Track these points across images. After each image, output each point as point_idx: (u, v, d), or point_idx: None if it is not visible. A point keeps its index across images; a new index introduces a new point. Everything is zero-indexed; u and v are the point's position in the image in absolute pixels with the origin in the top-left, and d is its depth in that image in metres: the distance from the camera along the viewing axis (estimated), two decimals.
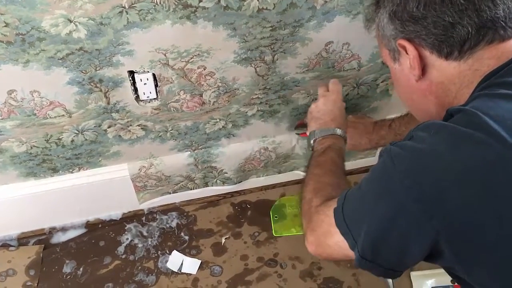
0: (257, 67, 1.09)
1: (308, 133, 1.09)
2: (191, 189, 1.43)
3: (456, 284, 1.25)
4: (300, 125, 1.29)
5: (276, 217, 1.43)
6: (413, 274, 1.28)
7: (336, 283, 1.29)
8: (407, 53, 0.74)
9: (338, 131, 1.03)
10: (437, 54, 0.72)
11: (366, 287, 1.28)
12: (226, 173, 1.40)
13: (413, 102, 0.82)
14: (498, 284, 0.65)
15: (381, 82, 1.23)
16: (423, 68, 0.74)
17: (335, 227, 0.76)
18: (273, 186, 1.51)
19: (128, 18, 0.90)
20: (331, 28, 1.03)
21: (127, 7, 0.88)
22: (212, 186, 1.44)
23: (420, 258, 0.69)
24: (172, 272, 1.33)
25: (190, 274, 1.33)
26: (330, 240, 0.78)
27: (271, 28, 1.00)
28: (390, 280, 1.27)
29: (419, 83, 0.76)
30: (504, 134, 0.61)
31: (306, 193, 0.91)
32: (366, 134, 1.20)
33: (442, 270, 1.25)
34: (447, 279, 1.26)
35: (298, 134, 1.32)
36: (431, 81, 0.75)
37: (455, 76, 0.72)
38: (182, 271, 1.33)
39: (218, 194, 1.48)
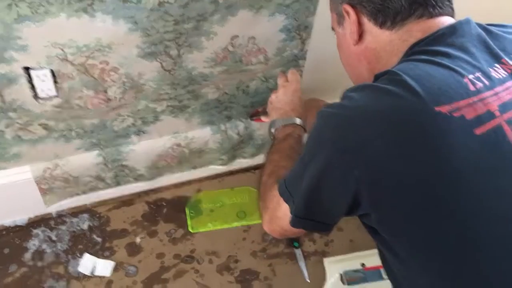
0: (162, 61, 1.07)
1: (269, 121, 1.11)
2: (102, 189, 1.39)
3: (365, 267, 1.31)
4: (254, 114, 1.31)
5: (192, 213, 1.42)
6: (326, 260, 1.33)
7: (253, 274, 1.31)
8: (349, 18, 0.82)
9: (298, 121, 1.08)
10: (373, 22, 0.80)
11: (282, 276, 1.30)
12: (139, 170, 1.37)
13: (350, 66, 0.89)
14: (407, 231, 0.70)
15: None
16: (361, 34, 0.82)
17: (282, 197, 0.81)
18: (189, 182, 1.50)
19: (18, 11, 0.85)
20: (235, 22, 1.04)
21: None
22: (125, 184, 1.41)
23: (345, 209, 0.74)
24: (84, 275, 1.28)
25: (104, 277, 1.28)
26: (279, 211, 0.83)
27: (174, 22, 0.98)
28: (304, 270, 1.31)
29: (356, 47, 0.83)
30: (419, 89, 0.67)
31: (263, 177, 0.96)
32: None
33: (353, 255, 1.33)
34: (357, 263, 1.32)
35: (252, 120, 1.33)
36: (366, 46, 0.82)
37: (386, 43, 0.79)
38: (95, 274, 1.28)
39: (132, 193, 1.44)
